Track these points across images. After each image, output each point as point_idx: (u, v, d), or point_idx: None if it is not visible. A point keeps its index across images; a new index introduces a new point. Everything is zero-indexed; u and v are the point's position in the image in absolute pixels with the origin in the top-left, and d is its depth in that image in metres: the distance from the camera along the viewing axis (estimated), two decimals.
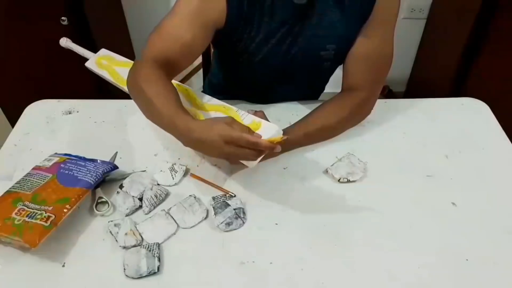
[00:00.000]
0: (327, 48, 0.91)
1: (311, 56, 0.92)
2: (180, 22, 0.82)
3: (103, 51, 1.06)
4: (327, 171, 0.86)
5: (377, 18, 0.86)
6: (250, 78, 1.01)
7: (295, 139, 0.87)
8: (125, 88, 0.97)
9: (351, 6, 0.85)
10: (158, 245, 0.72)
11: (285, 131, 0.86)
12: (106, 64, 1.03)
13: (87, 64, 1.05)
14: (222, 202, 0.78)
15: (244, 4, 0.83)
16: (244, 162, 0.78)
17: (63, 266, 0.70)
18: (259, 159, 0.71)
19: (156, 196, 0.79)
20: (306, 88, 1.10)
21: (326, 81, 1.11)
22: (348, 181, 0.83)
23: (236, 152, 0.67)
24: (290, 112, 0.99)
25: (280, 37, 0.89)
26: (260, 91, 1.02)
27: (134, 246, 0.72)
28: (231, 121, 0.69)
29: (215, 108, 0.90)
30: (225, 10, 0.83)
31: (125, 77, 0.84)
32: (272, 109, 1.00)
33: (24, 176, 0.79)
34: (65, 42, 1.09)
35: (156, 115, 0.76)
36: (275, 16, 0.86)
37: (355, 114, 0.95)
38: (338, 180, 0.84)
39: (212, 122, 0.69)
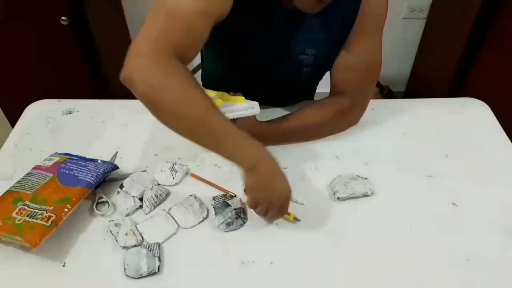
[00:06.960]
0: (306, 53, 0.89)
1: (290, 59, 0.90)
2: (188, 5, 0.68)
3: None
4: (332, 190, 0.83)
5: (363, 25, 0.84)
6: (235, 76, 0.98)
7: (274, 131, 0.87)
8: None
9: (333, 12, 0.82)
10: (159, 245, 0.72)
11: (264, 123, 0.86)
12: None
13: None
14: (222, 202, 0.78)
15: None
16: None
17: (64, 266, 0.70)
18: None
19: (156, 196, 0.80)
20: (289, 91, 1.04)
21: (309, 87, 1.09)
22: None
23: (275, 212, 0.74)
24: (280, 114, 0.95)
25: (269, 39, 0.87)
26: (245, 90, 0.95)
27: (135, 246, 0.72)
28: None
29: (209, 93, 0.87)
30: (231, 5, 0.75)
31: None
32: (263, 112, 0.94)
33: (24, 176, 0.79)
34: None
35: (207, 131, 0.67)
36: (269, 19, 0.83)
37: (338, 119, 0.93)
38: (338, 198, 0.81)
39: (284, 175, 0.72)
